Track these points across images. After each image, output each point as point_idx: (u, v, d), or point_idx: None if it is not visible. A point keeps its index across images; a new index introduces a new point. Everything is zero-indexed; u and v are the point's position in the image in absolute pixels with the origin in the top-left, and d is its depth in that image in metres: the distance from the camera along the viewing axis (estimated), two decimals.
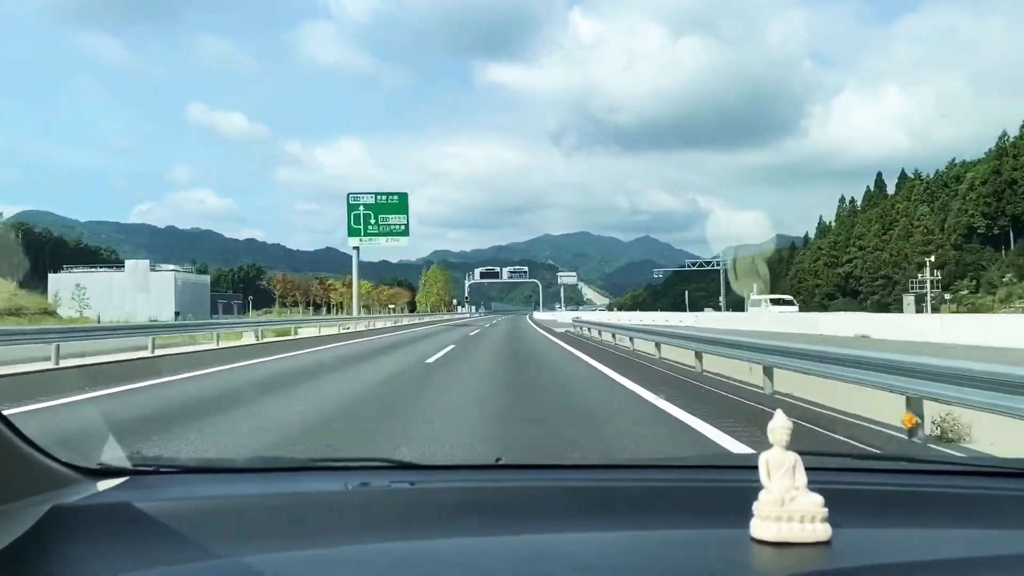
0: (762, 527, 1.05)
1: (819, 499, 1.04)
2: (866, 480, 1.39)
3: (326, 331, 32.73)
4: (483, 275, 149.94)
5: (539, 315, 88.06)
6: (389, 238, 52.81)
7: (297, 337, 27.93)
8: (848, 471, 1.46)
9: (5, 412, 1.12)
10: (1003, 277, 65.15)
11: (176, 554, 1.05)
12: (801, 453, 1.08)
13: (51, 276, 67.23)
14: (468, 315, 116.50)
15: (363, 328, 39.61)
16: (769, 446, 1.09)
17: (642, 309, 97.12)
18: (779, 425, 1.09)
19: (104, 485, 1.27)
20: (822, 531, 1.03)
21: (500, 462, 1.57)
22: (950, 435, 5.80)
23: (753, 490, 1.08)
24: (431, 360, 15.12)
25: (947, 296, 65.37)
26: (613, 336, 22.27)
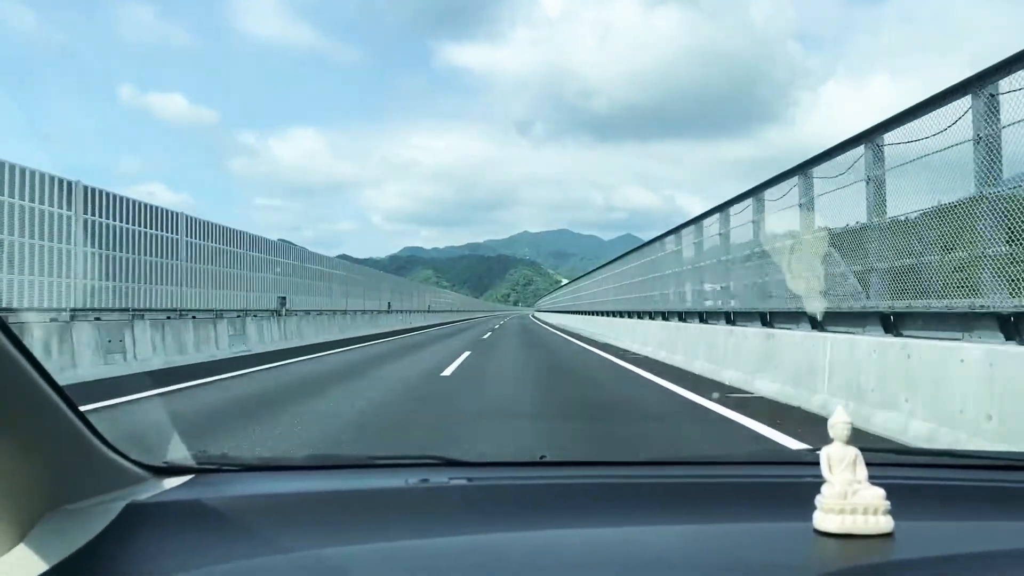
0: (825, 519, 1.08)
1: (881, 492, 1.07)
2: (926, 475, 1.43)
3: None
4: None
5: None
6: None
7: None
8: (907, 466, 1.50)
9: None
10: None
11: (245, 549, 1.08)
12: (861, 449, 1.12)
13: None
14: None
15: None
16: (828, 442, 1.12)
17: None
18: (839, 420, 1.12)
19: (171, 483, 1.29)
20: (885, 523, 1.06)
21: (544, 458, 1.59)
22: None
23: (812, 485, 1.11)
24: None
25: None
26: None
